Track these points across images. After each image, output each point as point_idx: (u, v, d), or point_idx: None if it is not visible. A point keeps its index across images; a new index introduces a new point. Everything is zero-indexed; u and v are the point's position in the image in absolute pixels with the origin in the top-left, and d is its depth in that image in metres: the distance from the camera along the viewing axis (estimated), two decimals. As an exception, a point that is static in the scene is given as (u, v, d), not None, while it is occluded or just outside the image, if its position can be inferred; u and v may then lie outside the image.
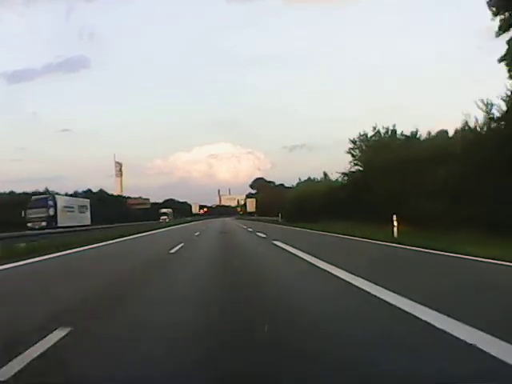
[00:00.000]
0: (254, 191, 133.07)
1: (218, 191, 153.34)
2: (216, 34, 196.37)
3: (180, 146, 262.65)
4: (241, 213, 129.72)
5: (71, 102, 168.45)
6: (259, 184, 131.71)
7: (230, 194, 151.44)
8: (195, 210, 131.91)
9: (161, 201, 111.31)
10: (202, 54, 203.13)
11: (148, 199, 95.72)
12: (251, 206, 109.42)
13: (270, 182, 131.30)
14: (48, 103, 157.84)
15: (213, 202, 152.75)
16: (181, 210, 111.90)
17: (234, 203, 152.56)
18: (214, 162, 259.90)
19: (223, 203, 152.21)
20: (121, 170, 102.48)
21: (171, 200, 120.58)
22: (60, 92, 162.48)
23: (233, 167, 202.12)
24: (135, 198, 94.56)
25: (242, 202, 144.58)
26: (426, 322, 4.42)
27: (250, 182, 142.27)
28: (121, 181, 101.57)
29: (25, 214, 40.61)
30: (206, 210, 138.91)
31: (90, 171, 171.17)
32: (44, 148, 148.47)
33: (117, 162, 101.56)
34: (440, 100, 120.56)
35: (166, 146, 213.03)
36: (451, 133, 25.10)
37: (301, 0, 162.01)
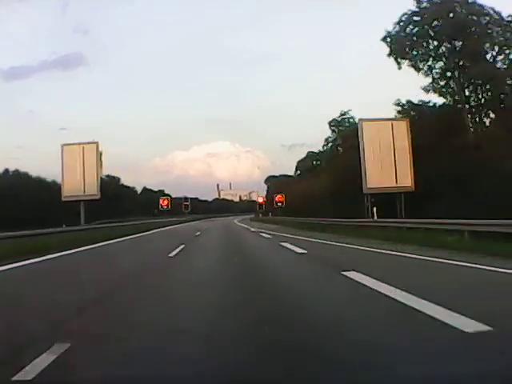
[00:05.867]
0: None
1: (217, 185, 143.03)
2: (216, 33, 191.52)
3: (178, 145, 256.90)
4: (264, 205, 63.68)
5: (68, 100, 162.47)
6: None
7: (230, 188, 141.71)
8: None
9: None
10: (201, 52, 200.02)
11: None
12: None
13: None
14: (45, 101, 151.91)
15: (211, 198, 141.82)
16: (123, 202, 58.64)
17: (236, 199, 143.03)
18: (213, 161, 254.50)
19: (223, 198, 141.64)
20: (100, 159, 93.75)
21: (119, 186, 62.63)
22: (57, 90, 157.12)
23: (232, 166, 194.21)
24: None
25: (245, 198, 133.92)
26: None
27: (250, 180, 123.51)
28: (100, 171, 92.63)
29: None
30: (185, 203, 61.20)
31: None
32: (42, 146, 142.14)
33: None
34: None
35: (164, 145, 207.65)
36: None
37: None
